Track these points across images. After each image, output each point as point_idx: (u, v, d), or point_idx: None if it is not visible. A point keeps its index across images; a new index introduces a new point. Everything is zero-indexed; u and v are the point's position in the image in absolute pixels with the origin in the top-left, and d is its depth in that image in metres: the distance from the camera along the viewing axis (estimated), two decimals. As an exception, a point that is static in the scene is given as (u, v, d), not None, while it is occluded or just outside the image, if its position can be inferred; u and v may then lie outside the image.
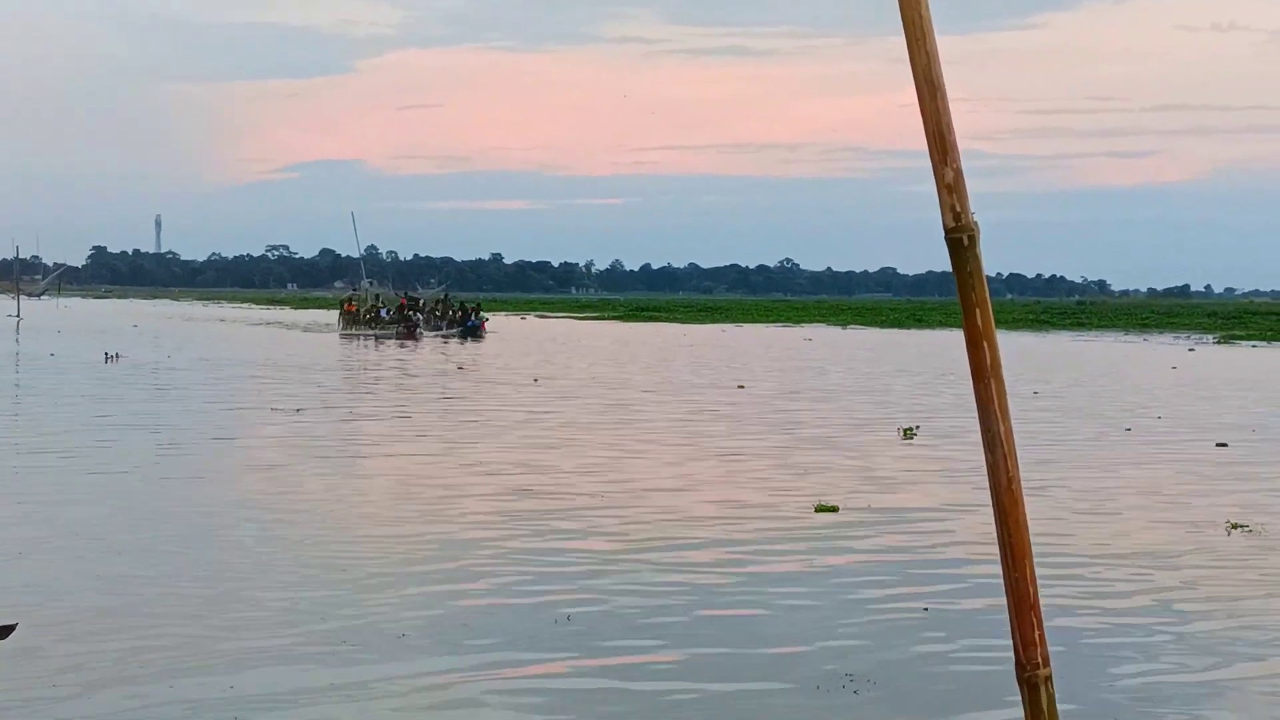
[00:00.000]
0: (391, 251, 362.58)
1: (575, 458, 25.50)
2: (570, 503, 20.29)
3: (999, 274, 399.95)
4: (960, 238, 2.52)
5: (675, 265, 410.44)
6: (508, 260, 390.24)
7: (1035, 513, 18.75)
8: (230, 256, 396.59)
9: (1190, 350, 78.40)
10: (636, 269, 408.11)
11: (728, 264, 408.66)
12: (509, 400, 39.16)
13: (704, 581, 15.20)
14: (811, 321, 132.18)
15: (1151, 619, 13.88)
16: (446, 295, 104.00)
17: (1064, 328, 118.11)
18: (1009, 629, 2.78)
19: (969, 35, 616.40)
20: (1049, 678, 2.66)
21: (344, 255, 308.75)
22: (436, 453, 25.95)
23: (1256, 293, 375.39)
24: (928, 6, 2.42)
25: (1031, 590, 2.71)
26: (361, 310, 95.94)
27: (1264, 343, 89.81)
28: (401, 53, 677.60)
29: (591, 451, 26.55)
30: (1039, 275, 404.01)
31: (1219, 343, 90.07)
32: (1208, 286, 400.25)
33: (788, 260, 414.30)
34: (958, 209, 2.50)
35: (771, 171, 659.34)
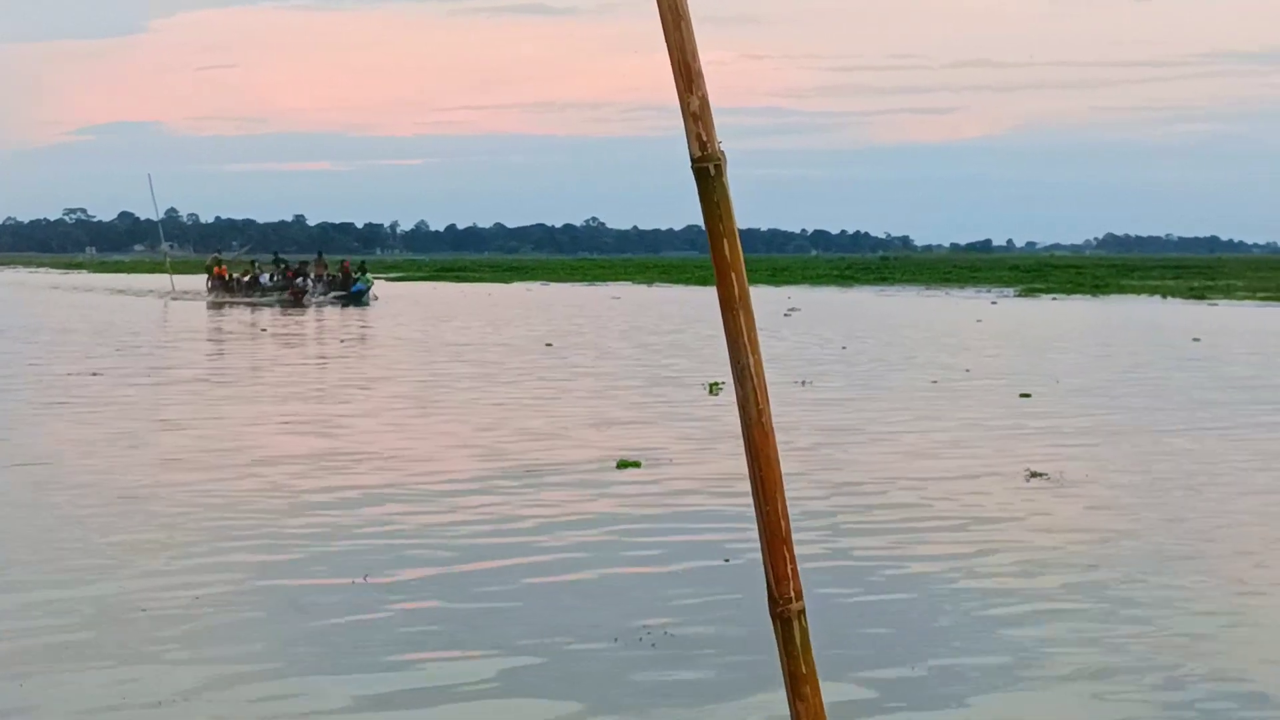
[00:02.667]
0: (192, 214, 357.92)
1: (375, 419, 25.32)
2: (367, 464, 20.12)
3: (804, 230, 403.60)
4: (707, 167, 2.49)
5: (481, 225, 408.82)
6: (311, 222, 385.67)
7: (837, 464, 19.02)
8: (26, 220, 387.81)
9: (993, 304, 79.60)
10: (442, 229, 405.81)
11: (534, 223, 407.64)
12: (318, 359, 38.83)
13: (502, 540, 15.14)
14: (618, 280, 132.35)
15: (936, 563, 14.06)
16: (320, 255, 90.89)
17: (868, 283, 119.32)
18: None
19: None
20: (802, 612, 2.65)
21: (143, 218, 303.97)
22: (238, 414, 25.63)
23: (1057, 246, 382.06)
24: (669, -67, 2.40)
25: (783, 524, 2.69)
26: (234, 275, 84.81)
27: (1063, 295, 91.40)
28: (197, 12, 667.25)
29: (393, 413, 26.37)
30: (844, 231, 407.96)
31: (1020, 296, 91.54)
32: (1009, 241, 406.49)
33: (594, 219, 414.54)
34: (704, 138, 2.46)
35: (576, 130, 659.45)
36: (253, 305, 75.80)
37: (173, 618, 11.89)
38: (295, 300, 76.49)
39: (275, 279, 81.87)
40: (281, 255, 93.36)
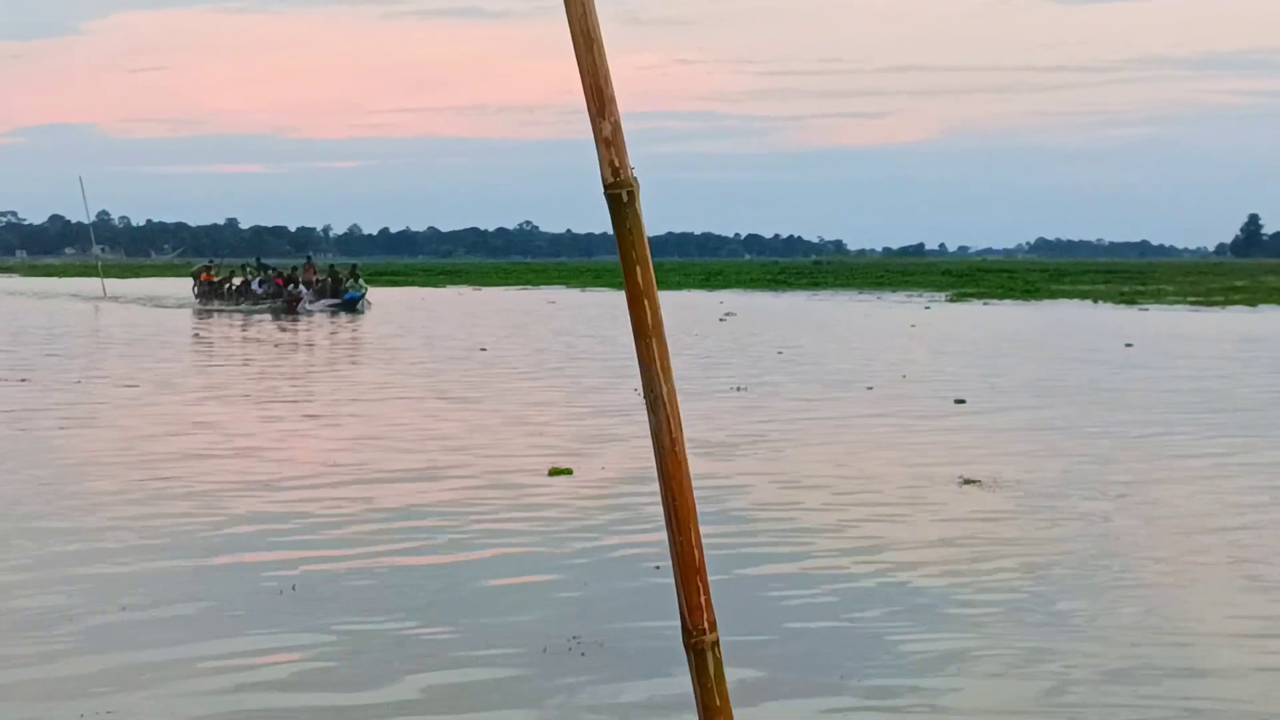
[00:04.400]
0: (124, 217, 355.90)
1: (305, 423, 25.20)
2: (298, 469, 20.03)
3: (737, 234, 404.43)
4: (620, 194, 2.46)
5: (414, 229, 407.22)
6: (243, 225, 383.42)
7: (769, 471, 19.00)
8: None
9: (926, 308, 79.81)
10: (375, 233, 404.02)
11: (467, 227, 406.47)
12: (268, 361, 38.61)
13: (432, 548, 15.09)
14: (551, 284, 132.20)
15: (863, 579, 14.04)
16: (310, 259, 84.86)
17: (801, 287, 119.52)
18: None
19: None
20: (716, 643, 2.62)
21: (74, 221, 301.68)
22: (167, 418, 25.44)
23: (989, 251, 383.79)
24: (582, -44, 2.37)
25: (697, 554, 2.67)
26: (221, 280, 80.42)
27: (995, 300, 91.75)
28: (129, 13, 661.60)
29: (324, 414, 26.25)
30: (777, 235, 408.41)
31: (951, 301, 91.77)
32: (941, 245, 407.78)
33: (527, 223, 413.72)
34: (616, 164, 2.43)
35: (510, 133, 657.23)
36: (246, 313, 70.93)
37: (92, 628, 11.81)
38: (290, 308, 71.64)
39: (265, 286, 76.94)
40: (265, 261, 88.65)
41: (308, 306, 72.67)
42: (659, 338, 2.52)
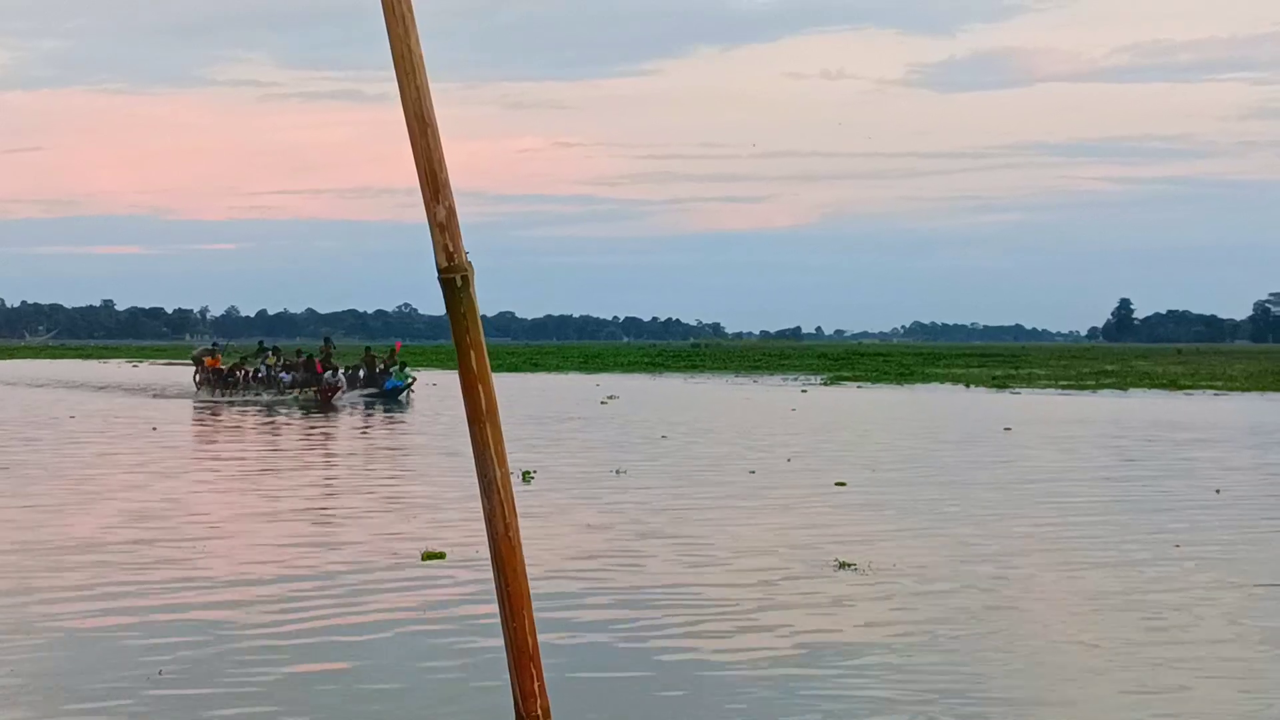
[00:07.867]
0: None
1: (179, 506, 24.90)
2: (170, 552, 19.79)
3: (616, 317, 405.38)
4: (454, 278, 2.44)
5: (292, 311, 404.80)
6: (120, 306, 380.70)
7: (646, 555, 18.93)
8: None
9: (803, 391, 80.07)
10: (253, 315, 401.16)
11: (345, 309, 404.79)
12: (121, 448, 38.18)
13: (299, 632, 14.95)
14: (431, 366, 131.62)
15: (730, 666, 14.01)
16: (327, 340, 71.33)
17: (678, 370, 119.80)
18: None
19: (585, 81, 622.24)
20: (550, 731, 2.60)
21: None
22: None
23: (865, 335, 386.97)
24: (418, 41, 2.35)
25: (530, 641, 2.65)
26: (230, 366, 68.94)
27: (869, 383, 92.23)
28: (7, 95, 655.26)
29: (195, 498, 25.96)
30: (655, 318, 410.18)
31: (827, 384, 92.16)
32: (818, 329, 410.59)
33: (406, 305, 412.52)
34: (451, 249, 2.42)
35: (390, 216, 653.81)
36: (268, 405, 61.01)
37: None
38: (324, 400, 61.81)
39: (294, 373, 65.59)
40: (270, 344, 76.48)
41: (343, 397, 63.39)
42: (494, 423, 2.50)
